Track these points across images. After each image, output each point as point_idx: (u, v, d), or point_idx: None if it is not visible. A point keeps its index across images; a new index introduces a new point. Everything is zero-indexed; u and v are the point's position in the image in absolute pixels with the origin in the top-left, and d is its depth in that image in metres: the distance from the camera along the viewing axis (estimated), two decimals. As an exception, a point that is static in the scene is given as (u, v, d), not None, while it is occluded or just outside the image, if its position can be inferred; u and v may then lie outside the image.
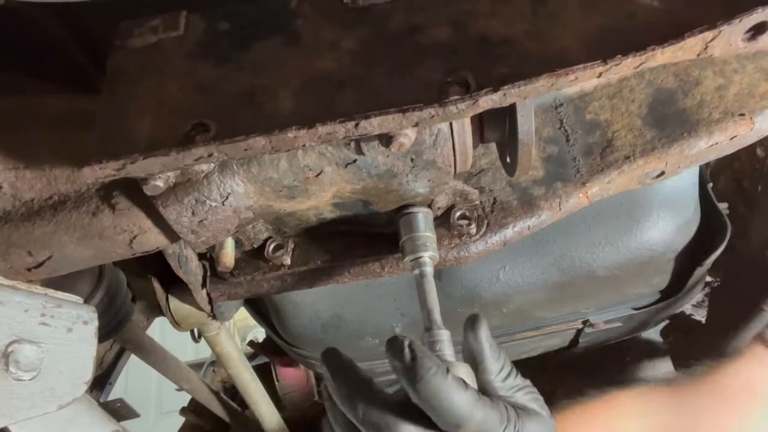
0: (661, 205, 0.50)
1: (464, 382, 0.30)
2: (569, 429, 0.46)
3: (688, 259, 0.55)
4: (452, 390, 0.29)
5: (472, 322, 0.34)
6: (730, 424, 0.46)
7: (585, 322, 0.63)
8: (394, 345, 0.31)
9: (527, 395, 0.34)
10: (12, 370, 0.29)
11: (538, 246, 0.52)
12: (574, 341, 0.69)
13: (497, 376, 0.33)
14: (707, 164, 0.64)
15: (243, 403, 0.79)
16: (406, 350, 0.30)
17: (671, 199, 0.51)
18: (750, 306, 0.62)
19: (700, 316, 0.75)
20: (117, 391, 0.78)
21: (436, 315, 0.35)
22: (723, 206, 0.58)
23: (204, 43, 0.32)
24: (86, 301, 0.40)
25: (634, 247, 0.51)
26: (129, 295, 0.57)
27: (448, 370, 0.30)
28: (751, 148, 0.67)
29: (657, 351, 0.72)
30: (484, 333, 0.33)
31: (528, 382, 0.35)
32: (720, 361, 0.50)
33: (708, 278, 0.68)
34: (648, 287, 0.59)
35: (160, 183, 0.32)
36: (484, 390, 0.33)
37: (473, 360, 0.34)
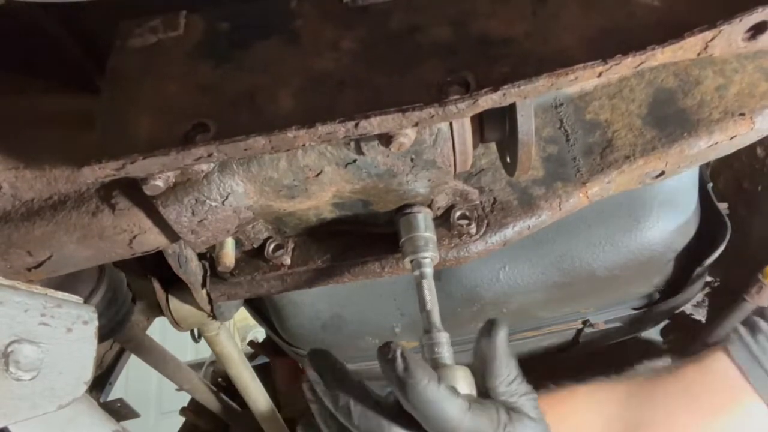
0: (661, 205, 0.50)
1: (455, 390, 0.30)
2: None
3: (688, 259, 0.55)
4: (442, 399, 0.29)
5: (490, 328, 0.34)
6: (688, 423, 0.46)
7: (585, 322, 0.63)
8: (385, 352, 0.31)
9: (528, 402, 0.34)
10: (12, 370, 0.29)
11: (538, 246, 0.52)
12: (574, 341, 0.69)
13: (503, 381, 0.33)
14: (707, 164, 0.64)
15: (243, 403, 0.79)
16: (399, 359, 0.30)
17: (671, 199, 0.51)
18: (735, 299, 0.63)
19: (700, 316, 0.75)
20: (117, 391, 0.78)
21: (436, 317, 0.35)
22: (723, 206, 0.58)
23: (204, 43, 0.32)
24: (86, 301, 0.40)
25: (634, 247, 0.51)
26: (129, 296, 0.57)
27: (439, 379, 0.30)
28: (752, 148, 0.67)
29: (656, 351, 0.72)
30: (501, 341, 0.33)
31: (531, 388, 0.35)
32: (683, 361, 0.50)
33: (708, 278, 0.68)
34: (648, 287, 0.59)
35: (159, 183, 0.32)
36: (486, 393, 0.33)
37: (483, 362, 0.34)
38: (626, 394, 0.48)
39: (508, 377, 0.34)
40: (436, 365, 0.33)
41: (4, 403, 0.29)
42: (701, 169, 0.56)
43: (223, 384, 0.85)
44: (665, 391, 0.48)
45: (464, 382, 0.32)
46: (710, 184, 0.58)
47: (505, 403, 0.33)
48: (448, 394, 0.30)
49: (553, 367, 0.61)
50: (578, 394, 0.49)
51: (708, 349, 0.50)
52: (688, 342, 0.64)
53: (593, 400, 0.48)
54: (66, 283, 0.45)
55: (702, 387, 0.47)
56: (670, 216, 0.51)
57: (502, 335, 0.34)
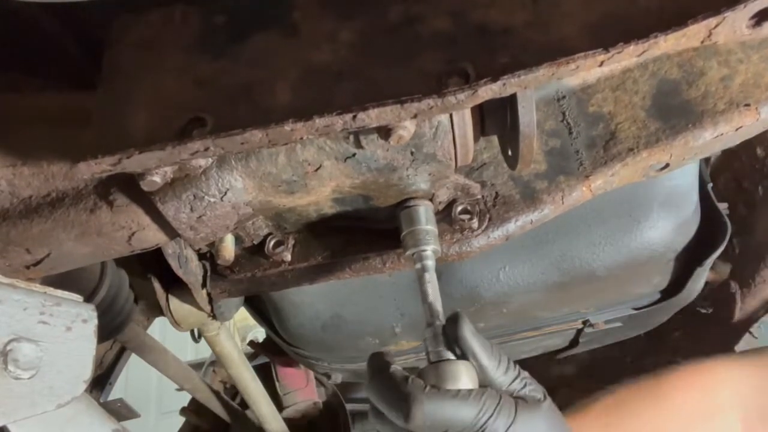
0: (661, 205, 0.50)
1: (434, 389, 0.30)
2: (666, 391, 0.45)
3: (688, 259, 0.55)
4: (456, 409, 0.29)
5: (451, 325, 0.33)
6: None
7: (585, 322, 0.63)
8: (375, 374, 0.30)
9: (528, 385, 0.33)
10: (11, 368, 0.29)
11: (539, 246, 0.52)
12: (574, 341, 0.69)
13: (498, 370, 0.33)
14: (707, 164, 0.64)
15: (243, 403, 0.78)
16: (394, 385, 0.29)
17: (671, 199, 0.50)
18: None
19: (705, 312, 0.74)
20: (117, 391, 0.78)
21: (438, 309, 0.35)
22: (723, 206, 0.58)
23: (200, 36, 0.32)
24: (88, 300, 0.40)
25: (634, 247, 0.51)
26: (131, 295, 0.57)
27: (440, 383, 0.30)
28: (752, 148, 0.66)
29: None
30: (467, 331, 0.33)
31: (526, 373, 0.34)
32: None
33: (708, 278, 0.68)
34: (648, 287, 0.59)
35: (157, 178, 0.31)
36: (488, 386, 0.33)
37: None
38: (760, 376, 0.47)
39: (500, 367, 0.33)
40: (439, 359, 0.33)
41: (2, 402, 0.29)
42: (701, 169, 0.55)
43: (233, 391, 0.84)
44: None
45: (467, 376, 0.32)
46: (710, 184, 0.57)
47: (511, 393, 0.32)
48: (457, 401, 0.29)
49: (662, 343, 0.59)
50: (718, 367, 0.48)
51: None
52: (694, 339, 0.63)
53: (732, 372, 0.47)
54: (67, 281, 0.45)
55: None
56: (670, 216, 0.51)
57: (466, 328, 0.33)
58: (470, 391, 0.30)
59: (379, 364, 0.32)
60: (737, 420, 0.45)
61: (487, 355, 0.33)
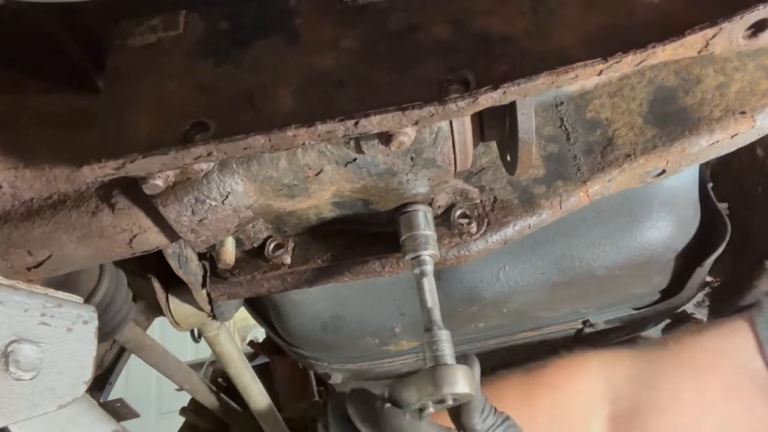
0: (661, 205, 0.50)
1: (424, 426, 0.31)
2: (537, 386, 0.46)
3: (688, 259, 0.55)
4: None
5: (465, 362, 0.35)
6: (681, 382, 0.45)
7: (585, 322, 0.63)
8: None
9: (508, 429, 0.35)
10: (12, 369, 0.29)
11: (538, 246, 0.52)
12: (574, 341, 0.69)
13: (480, 417, 0.34)
14: (707, 164, 0.64)
15: (243, 403, 0.78)
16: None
17: (671, 199, 0.51)
18: (745, 285, 0.62)
19: (701, 315, 0.75)
20: (117, 391, 0.78)
21: (437, 315, 0.35)
22: (723, 206, 0.58)
23: (203, 42, 0.32)
24: (87, 300, 0.40)
25: (634, 247, 0.51)
26: (130, 295, 0.57)
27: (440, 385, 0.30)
28: (752, 148, 0.67)
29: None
30: (476, 374, 0.35)
31: (506, 415, 0.36)
32: (683, 332, 0.49)
33: (708, 278, 0.68)
34: (648, 287, 0.59)
35: (159, 182, 0.32)
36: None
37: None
38: (635, 360, 0.48)
39: (483, 413, 0.35)
40: (437, 364, 0.33)
41: (4, 403, 0.29)
42: (701, 169, 0.56)
43: (224, 384, 0.85)
44: (674, 367, 0.48)
45: (464, 381, 0.32)
46: (710, 184, 0.58)
47: None
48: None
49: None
50: (592, 360, 0.49)
51: (729, 318, 0.49)
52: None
53: (603, 365, 0.48)
54: (67, 282, 0.45)
55: (713, 361, 0.47)
56: (670, 216, 0.51)
57: (476, 370, 0.35)
58: None
59: (363, 402, 0.33)
60: (602, 418, 0.45)
61: (478, 401, 0.34)
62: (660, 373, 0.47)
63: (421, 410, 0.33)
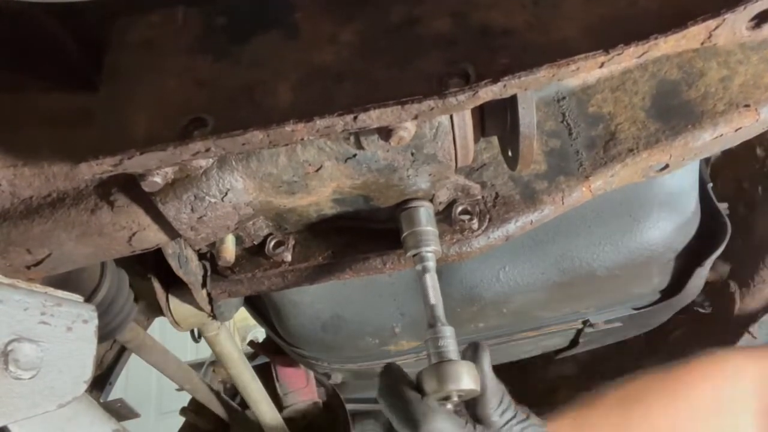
0: (661, 205, 0.50)
1: (443, 412, 0.30)
2: (682, 382, 0.45)
3: (688, 259, 0.55)
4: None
5: (473, 354, 0.34)
6: None
7: (585, 322, 0.63)
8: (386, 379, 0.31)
9: (528, 428, 0.34)
10: (12, 368, 0.29)
11: (539, 246, 0.52)
12: (574, 341, 0.69)
13: (496, 411, 0.33)
14: (707, 164, 0.64)
15: (243, 403, 0.78)
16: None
17: (671, 199, 0.51)
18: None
19: (705, 311, 0.75)
20: (117, 391, 0.78)
21: (440, 311, 0.35)
22: (723, 206, 0.58)
23: (202, 37, 0.32)
24: (88, 300, 0.40)
25: (634, 247, 0.51)
26: (131, 295, 0.57)
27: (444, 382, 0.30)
28: (752, 148, 0.67)
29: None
30: (486, 364, 0.33)
31: (525, 410, 0.35)
32: None
33: (708, 278, 0.68)
34: (648, 287, 0.59)
35: (158, 179, 0.32)
36: (480, 422, 0.33)
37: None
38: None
39: (500, 406, 0.33)
40: (441, 360, 0.33)
41: (3, 402, 0.29)
42: (701, 169, 0.55)
43: (233, 391, 0.84)
44: None
45: (468, 377, 0.32)
46: (710, 184, 0.58)
47: None
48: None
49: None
50: (737, 357, 0.48)
51: None
52: (693, 338, 0.63)
53: (749, 363, 0.47)
54: (68, 281, 0.45)
55: None
56: (670, 216, 0.51)
57: (486, 360, 0.33)
58: (474, 426, 0.31)
59: (392, 376, 0.32)
60: (751, 413, 0.45)
61: (491, 392, 0.33)
62: None
63: (446, 398, 0.32)
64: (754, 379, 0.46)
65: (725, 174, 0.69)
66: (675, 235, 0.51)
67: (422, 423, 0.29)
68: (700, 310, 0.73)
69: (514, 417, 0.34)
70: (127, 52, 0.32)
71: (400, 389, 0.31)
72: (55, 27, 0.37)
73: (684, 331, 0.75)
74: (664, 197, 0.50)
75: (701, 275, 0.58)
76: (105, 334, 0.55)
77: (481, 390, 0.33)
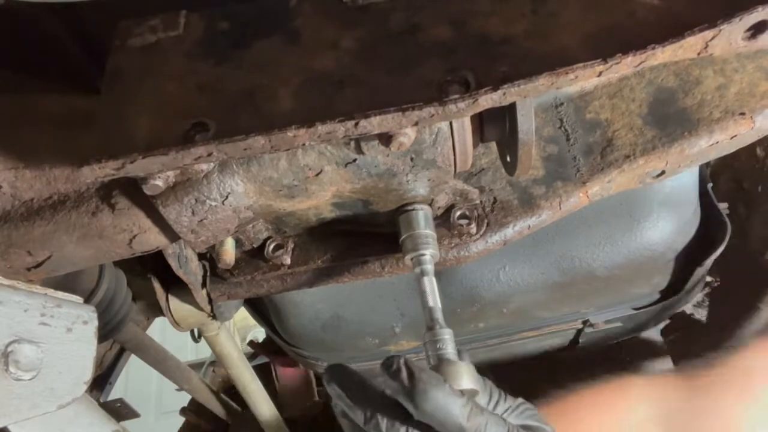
0: (661, 205, 0.50)
1: (461, 392, 0.30)
2: (574, 410, 0.46)
3: (688, 259, 0.55)
4: (451, 402, 0.29)
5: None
6: (735, 408, 0.46)
7: (585, 322, 0.63)
8: (389, 365, 0.31)
9: (523, 413, 0.34)
10: (12, 369, 0.29)
11: (538, 246, 0.52)
12: (574, 341, 0.69)
13: (488, 405, 0.33)
14: (707, 164, 0.64)
15: (243, 403, 0.78)
16: (403, 369, 0.30)
17: (671, 199, 0.51)
18: (748, 305, 0.63)
19: (700, 316, 0.75)
20: (117, 391, 0.78)
21: (438, 313, 0.35)
22: (723, 206, 0.58)
23: (203, 42, 0.32)
24: (86, 300, 0.40)
25: (634, 247, 0.51)
26: (129, 295, 0.57)
27: (445, 380, 0.30)
28: (751, 148, 0.67)
29: (657, 350, 0.73)
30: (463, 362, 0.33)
31: (519, 399, 0.35)
32: (723, 352, 0.50)
33: (708, 278, 0.68)
34: (648, 287, 0.59)
35: (159, 182, 0.32)
36: None
37: None
38: (679, 385, 0.48)
39: (491, 400, 0.33)
40: (440, 361, 0.33)
41: (3, 403, 0.29)
42: (701, 169, 0.55)
43: (233, 391, 0.84)
44: (715, 379, 0.48)
45: (468, 378, 0.32)
46: (710, 184, 0.58)
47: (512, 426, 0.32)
48: (456, 395, 0.29)
49: (560, 365, 0.60)
50: (634, 383, 0.49)
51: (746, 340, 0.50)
52: (688, 342, 0.64)
53: (648, 390, 0.48)
54: (66, 282, 0.45)
55: (754, 365, 0.47)
56: (670, 216, 0.51)
57: (463, 358, 0.33)
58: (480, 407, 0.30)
59: (390, 361, 0.32)
60: None
61: (480, 391, 0.33)
62: (710, 399, 0.46)
63: None
64: (663, 405, 0.47)
65: (725, 174, 0.70)
66: (675, 235, 0.51)
67: (428, 386, 0.28)
68: (697, 312, 0.73)
69: (508, 408, 0.34)
70: (129, 56, 0.32)
71: (400, 363, 0.30)
72: (57, 29, 0.37)
73: (677, 336, 0.76)
74: (664, 197, 0.50)
75: (701, 275, 0.58)
76: (103, 334, 0.55)
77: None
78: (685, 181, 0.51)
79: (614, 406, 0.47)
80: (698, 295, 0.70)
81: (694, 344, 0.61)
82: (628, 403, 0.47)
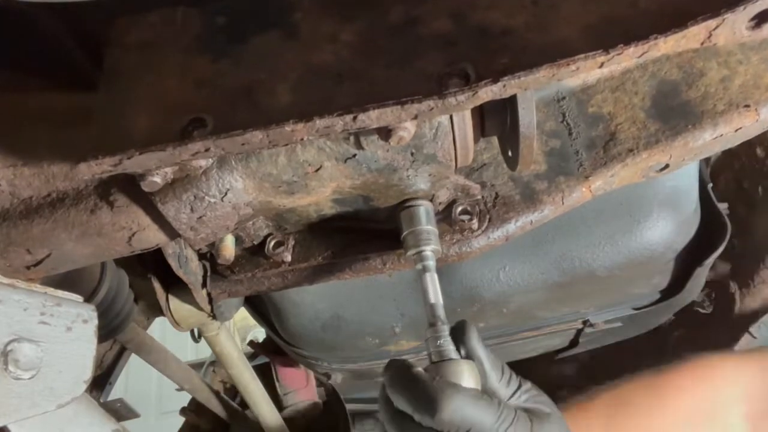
0: (661, 205, 0.50)
1: (461, 386, 0.30)
2: (671, 387, 0.45)
3: (688, 259, 0.55)
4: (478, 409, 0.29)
5: (459, 332, 0.33)
6: None
7: (585, 322, 0.63)
8: (400, 370, 0.31)
9: (533, 397, 0.33)
10: (11, 369, 0.29)
11: (539, 246, 0.52)
12: (574, 341, 0.69)
13: (500, 382, 0.33)
14: (707, 164, 0.64)
15: (243, 403, 0.78)
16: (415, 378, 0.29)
17: (671, 199, 0.51)
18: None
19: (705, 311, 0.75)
20: (117, 391, 0.78)
21: (440, 310, 0.35)
22: (723, 206, 0.58)
23: (201, 37, 0.32)
24: (88, 300, 0.40)
25: (634, 247, 0.51)
26: (131, 295, 0.57)
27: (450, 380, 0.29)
28: (752, 148, 0.67)
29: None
30: (474, 340, 0.33)
31: (528, 383, 0.34)
32: None
33: (708, 278, 0.68)
34: (648, 287, 0.59)
35: (157, 179, 0.32)
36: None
37: None
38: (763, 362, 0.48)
39: (503, 377, 0.33)
40: (442, 358, 0.33)
41: (3, 402, 0.29)
42: (701, 169, 0.56)
43: (233, 391, 0.84)
44: None
45: (469, 375, 0.32)
46: (710, 184, 0.58)
47: (516, 406, 0.32)
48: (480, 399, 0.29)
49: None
50: (725, 363, 0.49)
51: None
52: (694, 338, 0.63)
53: (736, 369, 0.48)
54: (68, 281, 0.45)
55: None
56: (670, 216, 0.51)
57: (473, 337, 0.33)
58: (491, 397, 0.30)
59: (399, 366, 0.32)
60: (743, 416, 0.45)
61: (491, 365, 0.33)
62: None
63: None
64: (745, 384, 0.46)
65: (725, 174, 0.70)
66: (675, 235, 0.52)
67: (441, 401, 0.28)
68: (701, 310, 0.73)
69: (519, 387, 0.33)
70: (126, 52, 0.32)
71: (412, 374, 0.31)
72: (55, 26, 0.37)
73: (684, 332, 0.75)
74: (664, 197, 0.50)
75: (701, 275, 0.58)
76: (105, 334, 0.55)
77: (479, 364, 0.32)
78: (685, 181, 0.51)
79: (705, 384, 0.46)
80: (699, 295, 0.70)
81: (701, 341, 0.61)
82: (715, 382, 0.47)
